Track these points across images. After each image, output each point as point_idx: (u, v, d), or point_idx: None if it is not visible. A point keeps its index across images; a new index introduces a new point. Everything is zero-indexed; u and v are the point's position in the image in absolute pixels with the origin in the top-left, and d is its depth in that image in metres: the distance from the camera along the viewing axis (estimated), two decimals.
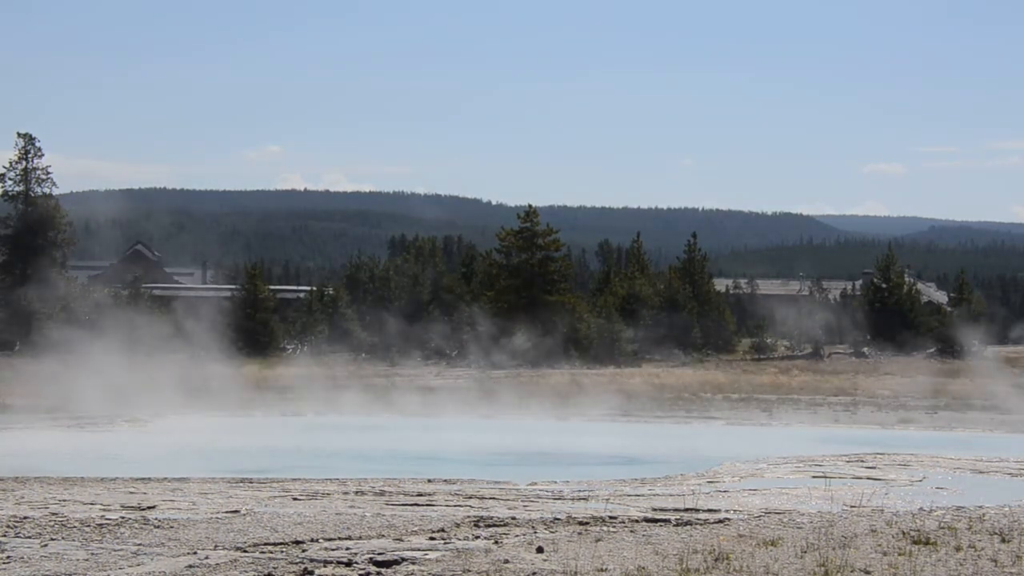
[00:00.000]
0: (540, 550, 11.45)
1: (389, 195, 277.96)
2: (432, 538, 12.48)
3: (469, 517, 14.10)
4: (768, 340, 65.33)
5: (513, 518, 14.08)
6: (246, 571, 10.64)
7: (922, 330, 64.32)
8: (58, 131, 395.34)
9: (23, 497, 15.81)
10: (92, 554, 11.54)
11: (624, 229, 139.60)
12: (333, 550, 11.76)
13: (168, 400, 34.05)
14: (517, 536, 12.53)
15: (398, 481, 18.01)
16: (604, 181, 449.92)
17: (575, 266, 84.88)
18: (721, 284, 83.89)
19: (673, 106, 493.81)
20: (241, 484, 17.58)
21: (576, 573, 10.29)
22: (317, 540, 12.38)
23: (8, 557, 11.29)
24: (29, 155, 61.10)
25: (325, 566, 10.93)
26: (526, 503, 15.84)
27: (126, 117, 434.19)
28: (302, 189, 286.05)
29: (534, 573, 10.36)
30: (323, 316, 61.03)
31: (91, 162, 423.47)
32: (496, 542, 12.09)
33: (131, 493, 16.48)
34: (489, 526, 13.40)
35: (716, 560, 10.66)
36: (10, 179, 61.08)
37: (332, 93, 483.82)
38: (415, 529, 13.15)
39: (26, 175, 61.04)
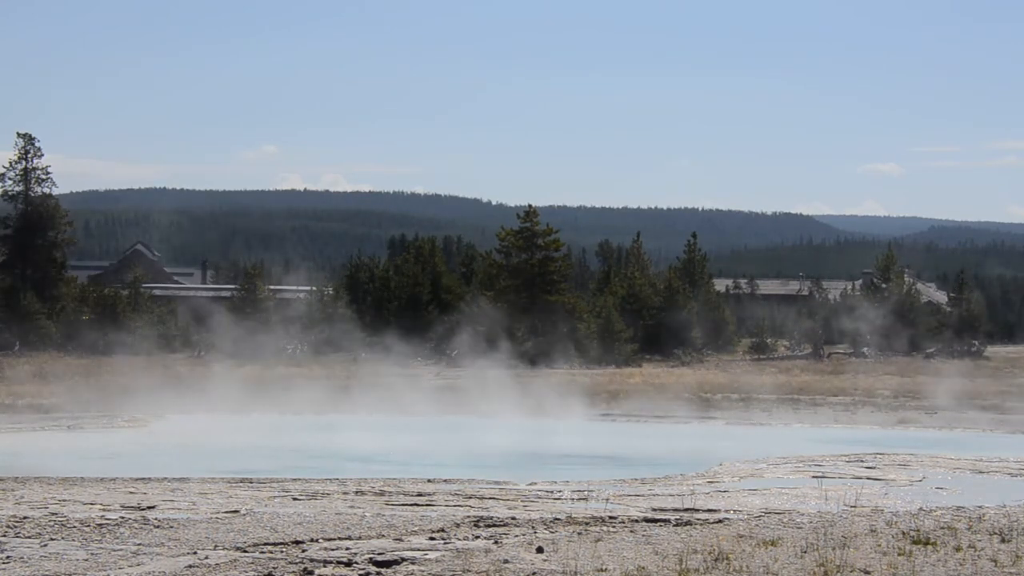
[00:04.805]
0: (540, 550, 11.45)
1: (389, 195, 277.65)
2: (432, 538, 12.49)
3: (469, 517, 14.11)
4: (768, 340, 65.27)
5: (513, 518, 14.08)
6: (246, 571, 10.64)
7: (922, 330, 64.30)
8: (58, 131, 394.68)
9: (23, 497, 15.82)
10: (92, 554, 11.55)
11: (624, 229, 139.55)
12: (333, 550, 11.77)
13: (168, 400, 34.06)
14: (517, 536, 12.53)
15: (398, 481, 18.02)
16: (604, 181, 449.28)
17: (575, 266, 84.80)
18: (721, 284, 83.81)
19: (673, 106, 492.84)
20: (241, 484, 17.58)
21: (576, 573, 10.29)
22: (317, 540, 12.38)
23: (8, 557, 11.30)
24: (29, 155, 61.10)
25: (325, 566, 10.93)
26: (526, 503, 15.85)
27: (126, 117, 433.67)
28: (301, 189, 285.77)
29: (534, 573, 10.37)
30: (323, 316, 61.02)
31: (91, 162, 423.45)
32: (496, 542, 12.09)
33: (131, 493, 16.49)
34: (489, 526, 13.40)
35: (716, 560, 10.67)
36: (10, 179, 61.08)
37: (330, 93, 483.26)
38: (415, 529, 13.15)
39: (26, 175, 61.03)
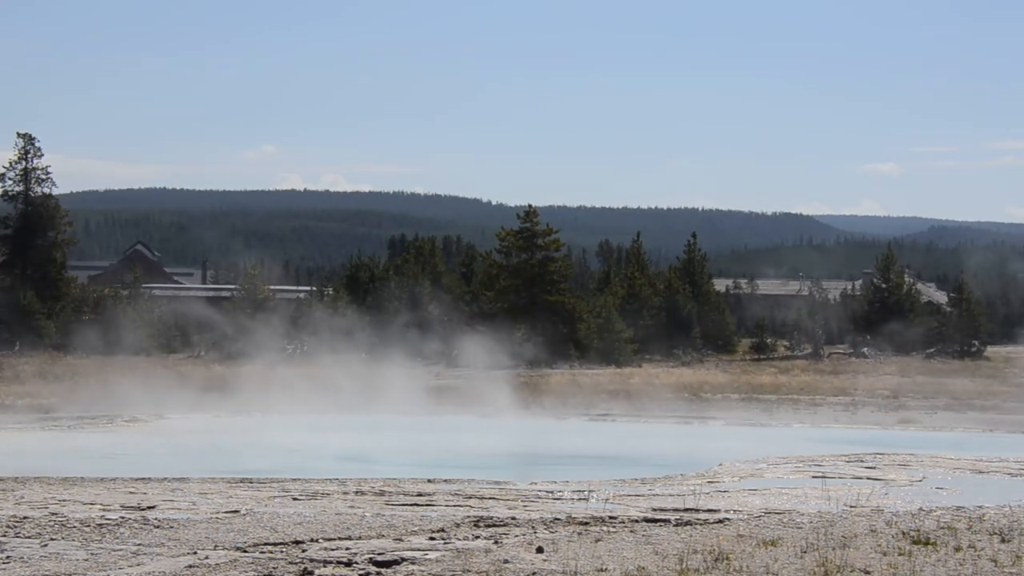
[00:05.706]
0: (540, 550, 11.45)
1: (389, 195, 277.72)
2: (432, 538, 12.49)
3: (469, 517, 14.11)
4: (768, 340, 65.28)
5: (513, 518, 14.08)
6: (246, 571, 10.64)
7: (922, 330, 64.32)
8: (58, 131, 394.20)
9: (23, 497, 15.82)
10: (92, 554, 11.55)
11: (624, 229, 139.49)
12: (333, 550, 11.77)
13: (168, 400, 34.06)
14: (517, 536, 12.53)
15: (398, 481, 18.02)
16: (604, 181, 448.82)
17: (575, 266, 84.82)
18: (721, 284, 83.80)
19: (673, 106, 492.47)
20: (241, 484, 17.58)
21: (576, 573, 10.29)
22: (317, 540, 12.38)
23: (8, 557, 11.30)
24: (29, 155, 61.08)
25: (325, 566, 10.93)
26: (526, 503, 15.85)
27: (126, 117, 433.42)
28: (301, 189, 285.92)
29: (534, 573, 10.37)
30: (323, 316, 61.02)
31: (91, 162, 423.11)
32: (496, 542, 12.09)
33: (131, 493, 16.49)
34: (489, 526, 13.40)
35: (716, 560, 10.66)
36: (10, 179, 61.04)
37: (330, 93, 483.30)
38: (415, 529, 13.15)
39: (26, 175, 61.01)
